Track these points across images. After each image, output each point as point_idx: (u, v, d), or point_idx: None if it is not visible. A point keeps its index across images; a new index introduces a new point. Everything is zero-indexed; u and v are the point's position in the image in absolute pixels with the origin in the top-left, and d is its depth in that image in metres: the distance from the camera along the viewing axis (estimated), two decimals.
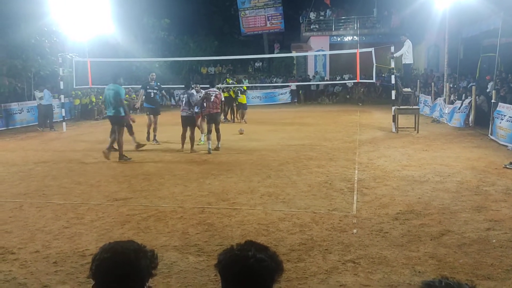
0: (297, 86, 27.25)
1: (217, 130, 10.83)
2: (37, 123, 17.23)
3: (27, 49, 17.76)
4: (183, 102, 10.90)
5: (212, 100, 10.69)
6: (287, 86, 27.99)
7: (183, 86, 11.88)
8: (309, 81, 27.88)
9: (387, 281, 3.84)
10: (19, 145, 12.80)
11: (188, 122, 10.82)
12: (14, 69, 17.60)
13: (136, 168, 8.88)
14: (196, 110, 10.85)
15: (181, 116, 10.94)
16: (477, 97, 14.06)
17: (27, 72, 18.46)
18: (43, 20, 17.58)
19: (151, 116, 12.31)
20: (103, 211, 6.03)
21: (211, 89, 11.01)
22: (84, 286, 3.79)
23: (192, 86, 11.73)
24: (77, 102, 20.72)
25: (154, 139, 12.09)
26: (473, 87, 14.57)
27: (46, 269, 4.21)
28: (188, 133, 10.79)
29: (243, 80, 29.51)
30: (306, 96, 28.11)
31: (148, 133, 12.27)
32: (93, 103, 20.90)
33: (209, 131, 10.58)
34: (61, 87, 16.22)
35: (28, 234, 5.17)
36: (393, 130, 13.46)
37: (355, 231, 5.08)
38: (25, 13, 16.80)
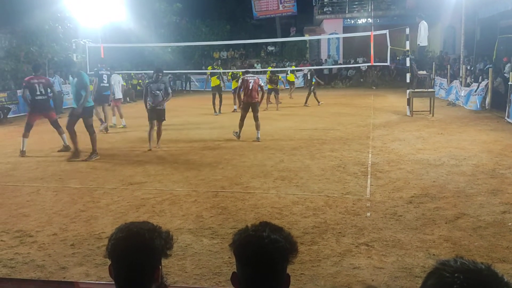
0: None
1: (256, 118, 9.93)
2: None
3: (41, 35, 17.88)
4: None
5: (251, 87, 9.79)
6: (300, 70, 27.79)
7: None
8: (322, 65, 27.64)
9: (401, 264, 3.83)
10: (35, 130, 12.87)
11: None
12: (30, 55, 17.76)
13: (150, 153, 8.94)
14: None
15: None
16: (493, 79, 13.81)
17: (43, 58, 18.61)
18: (56, 6, 17.65)
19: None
20: (118, 195, 6.11)
21: (249, 75, 10.16)
22: (100, 268, 3.85)
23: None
24: (91, 88, 20.85)
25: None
26: (489, 69, 14.30)
27: (64, 251, 4.29)
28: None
29: (255, 64, 29.40)
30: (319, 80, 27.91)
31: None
32: None
33: (243, 119, 9.93)
34: None
35: (46, 218, 5.27)
36: (408, 113, 13.32)
37: (368, 214, 5.06)
38: None
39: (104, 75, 12.73)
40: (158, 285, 1.57)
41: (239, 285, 1.47)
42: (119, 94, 13.17)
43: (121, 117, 13.10)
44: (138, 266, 1.51)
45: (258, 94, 9.98)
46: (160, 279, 1.59)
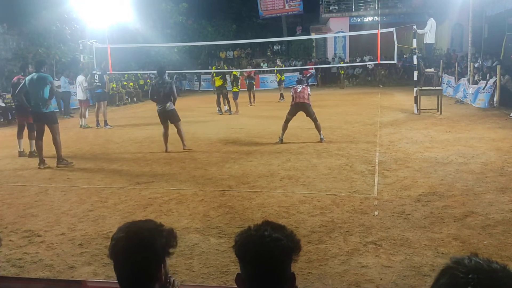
0: (316, 69, 26.99)
1: (315, 120, 9.46)
2: (57, 110, 17.55)
3: (49, 36, 18.00)
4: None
5: (299, 90, 9.43)
6: (307, 69, 27.70)
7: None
8: (329, 64, 27.57)
9: (409, 263, 3.81)
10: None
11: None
12: (39, 56, 17.87)
13: (157, 153, 8.96)
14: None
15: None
16: (502, 76, 13.70)
17: (51, 60, 18.72)
18: (63, 7, 17.75)
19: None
20: (126, 194, 6.13)
21: (297, 86, 9.64)
22: (108, 267, 3.86)
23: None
24: None
25: None
26: (497, 66, 14.19)
27: (72, 250, 4.31)
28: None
29: (262, 64, 29.36)
30: (326, 78, 27.82)
31: None
32: (114, 89, 21.09)
33: (288, 121, 9.54)
34: None
35: (54, 217, 5.30)
36: (415, 111, 13.24)
37: (376, 213, 5.04)
38: (45, 0, 16.97)
39: (95, 75, 13.40)
40: (162, 284, 1.56)
41: (243, 286, 1.46)
42: (80, 96, 13.85)
43: (83, 116, 13.63)
44: (139, 265, 1.50)
45: (307, 97, 9.44)
46: (164, 278, 1.57)
